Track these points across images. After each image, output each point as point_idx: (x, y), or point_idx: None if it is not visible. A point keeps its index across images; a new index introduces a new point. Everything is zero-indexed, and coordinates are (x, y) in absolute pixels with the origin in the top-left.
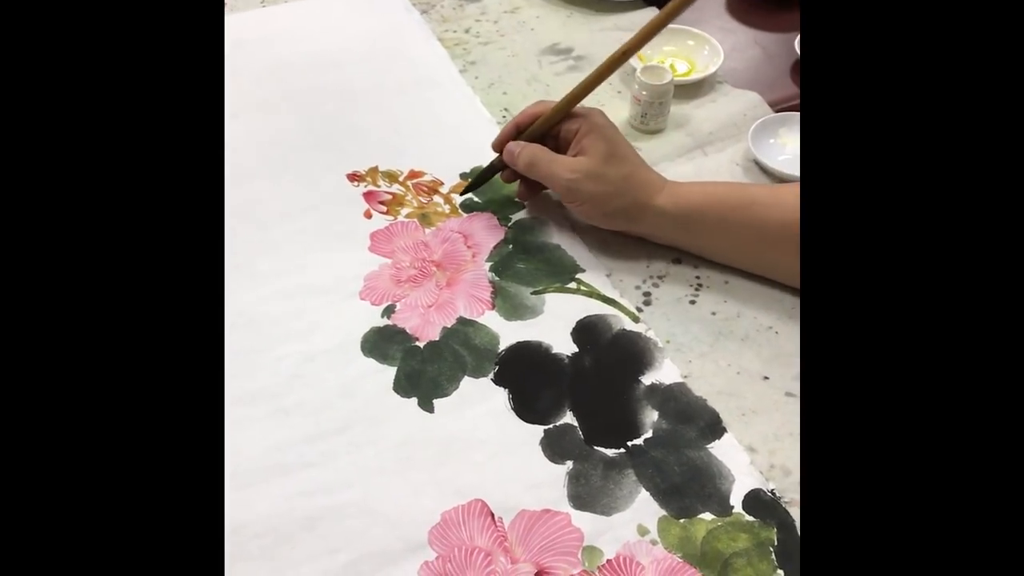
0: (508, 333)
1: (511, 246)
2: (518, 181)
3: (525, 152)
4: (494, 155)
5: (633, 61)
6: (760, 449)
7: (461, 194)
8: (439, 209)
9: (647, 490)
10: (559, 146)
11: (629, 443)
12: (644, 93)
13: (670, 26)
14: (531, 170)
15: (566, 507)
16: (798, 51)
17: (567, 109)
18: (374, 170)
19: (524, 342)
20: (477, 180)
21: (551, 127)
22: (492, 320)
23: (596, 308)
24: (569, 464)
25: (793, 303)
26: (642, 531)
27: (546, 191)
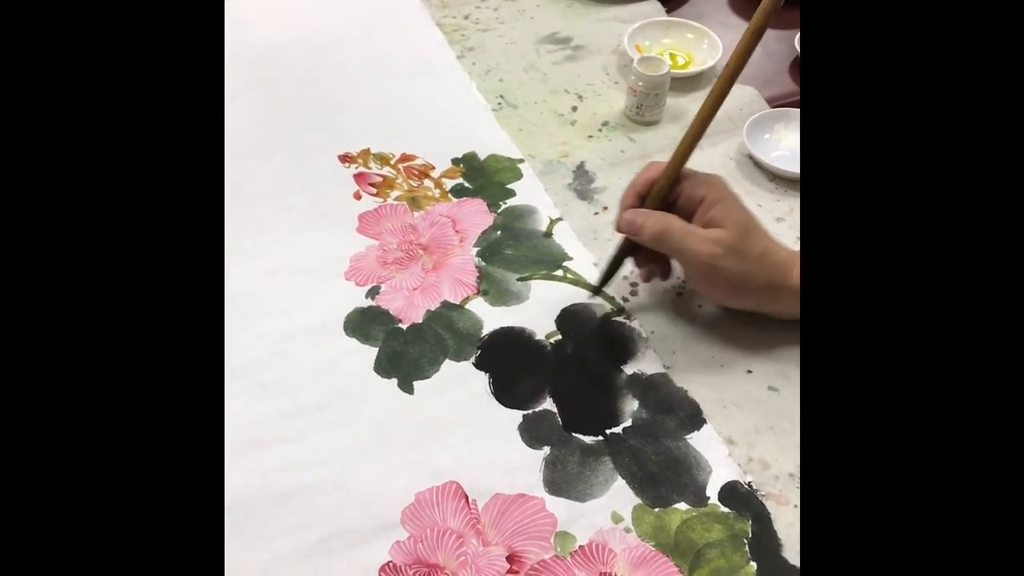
0: (492, 318)
1: (499, 232)
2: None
3: (652, 221)
4: (491, 145)
5: (631, 51)
6: (739, 442)
7: (594, 292)
8: (429, 193)
9: (623, 478)
10: (678, 215)
11: (608, 431)
12: (640, 84)
13: (671, 19)
14: (662, 242)
15: (541, 492)
16: (798, 49)
17: (680, 166)
18: (366, 152)
19: (507, 327)
20: (608, 272)
21: (670, 190)
22: (476, 305)
23: (582, 296)
24: (546, 450)
25: None
26: (616, 518)
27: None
